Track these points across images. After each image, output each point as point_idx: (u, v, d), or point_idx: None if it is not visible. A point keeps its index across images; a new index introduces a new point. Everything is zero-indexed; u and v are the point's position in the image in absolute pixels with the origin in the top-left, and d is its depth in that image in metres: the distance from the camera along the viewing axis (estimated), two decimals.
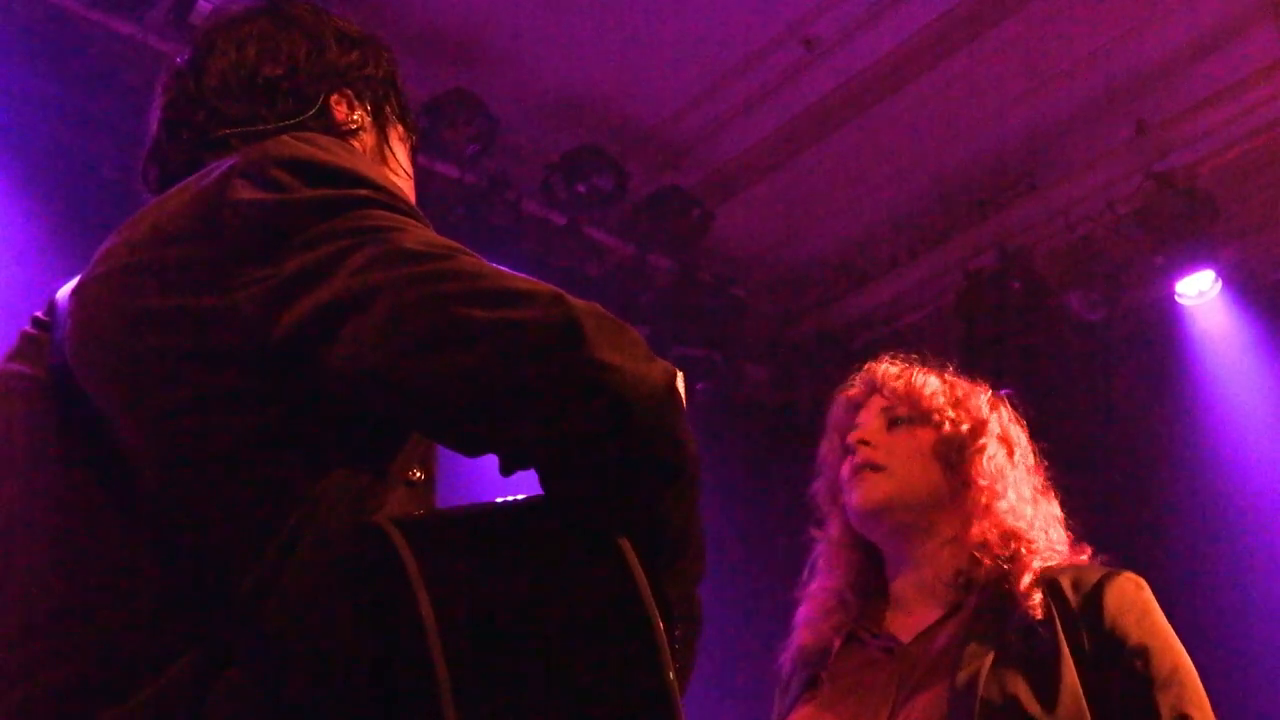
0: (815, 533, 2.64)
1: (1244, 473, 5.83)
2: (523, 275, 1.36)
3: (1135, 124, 5.85)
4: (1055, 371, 6.06)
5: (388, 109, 1.77)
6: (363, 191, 1.40)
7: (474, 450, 1.34)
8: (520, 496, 1.35)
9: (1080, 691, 2.17)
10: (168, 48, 4.68)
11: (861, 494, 2.45)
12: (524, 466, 1.32)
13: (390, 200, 1.42)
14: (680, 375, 1.51)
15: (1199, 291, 6.00)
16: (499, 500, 1.36)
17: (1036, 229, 6.28)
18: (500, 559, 1.30)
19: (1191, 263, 5.91)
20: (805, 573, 2.62)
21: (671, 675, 1.24)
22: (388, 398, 1.33)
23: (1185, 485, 5.85)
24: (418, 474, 1.43)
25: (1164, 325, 6.17)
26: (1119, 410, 6.08)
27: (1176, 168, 5.84)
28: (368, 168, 1.47)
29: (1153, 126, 5.84)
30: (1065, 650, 2.20)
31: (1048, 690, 2.16)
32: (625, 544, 1.28)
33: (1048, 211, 6.21)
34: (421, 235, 1.38)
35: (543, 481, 1.34)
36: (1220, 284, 5.96)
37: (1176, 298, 6.05)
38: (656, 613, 1.25)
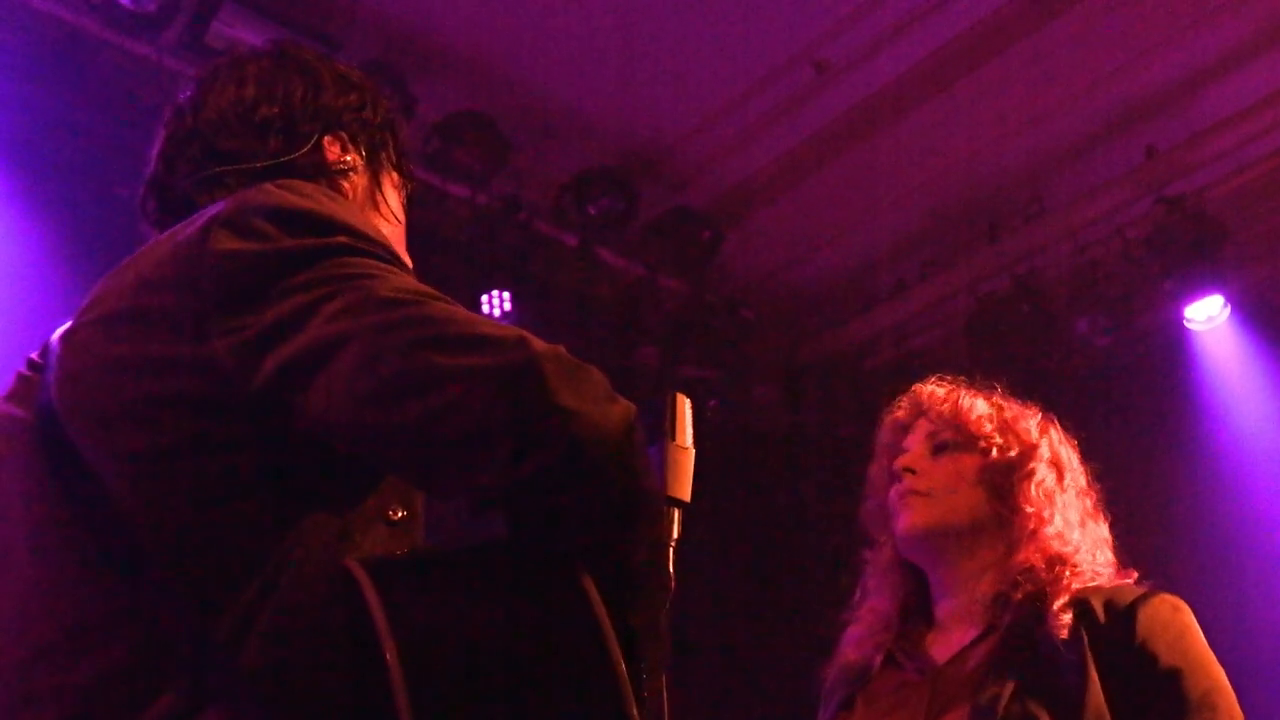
0: (867, 554, 2.64)
1: (1252, 497, 5.82)
2: (491, 319, 1.39)
3: (1145, 149, 5.86)
4: (1063, 396, 6.06)
5: (383, 155, 1.78)
6: (342, 239, 1.42)
7: (440, 492, 1.37)
8: (492, 536, 1.38)
9: (1106, 714, 2.15)
10: (182, 68, 4.71)
11: (904, 520, 2.46)
12: (490, 507, 1.35)
13: (368, 247, 1.44)
14: (687, 401, 1.53)
15: (1208, 316, 5.99)
16: (469, 539, 1.39)
17: (1046, 253, 6.28)
18: (466, 599, 1.33)
19: (1200, 288, 5.90)
20: (856, 594, 2.62)
21: (634, 710, 1.26)
22: (357, 443, 1.37)
23: (1193, 510, 5.84)
24: (400, 513, 1.46)
25: (1172, 350, 6.16)
26: (1127, 435, 6.07)
27: (1186, 193, 5.84)
28: (348, 214, 1.50)
29: (1162, 151, 5.84)
30: (1092, 671, 2.18)
31: (1071, 712, 2.15)
32: (588, 582, 1.31)
33: (1057, 236, 6.21)
34: (395, 282, 1.40)
35: (507, 522, 1.36)
36: (1229, 309, 5.95)
37: (1185, 323, 6.04)
38: (619, 652, 1.27)
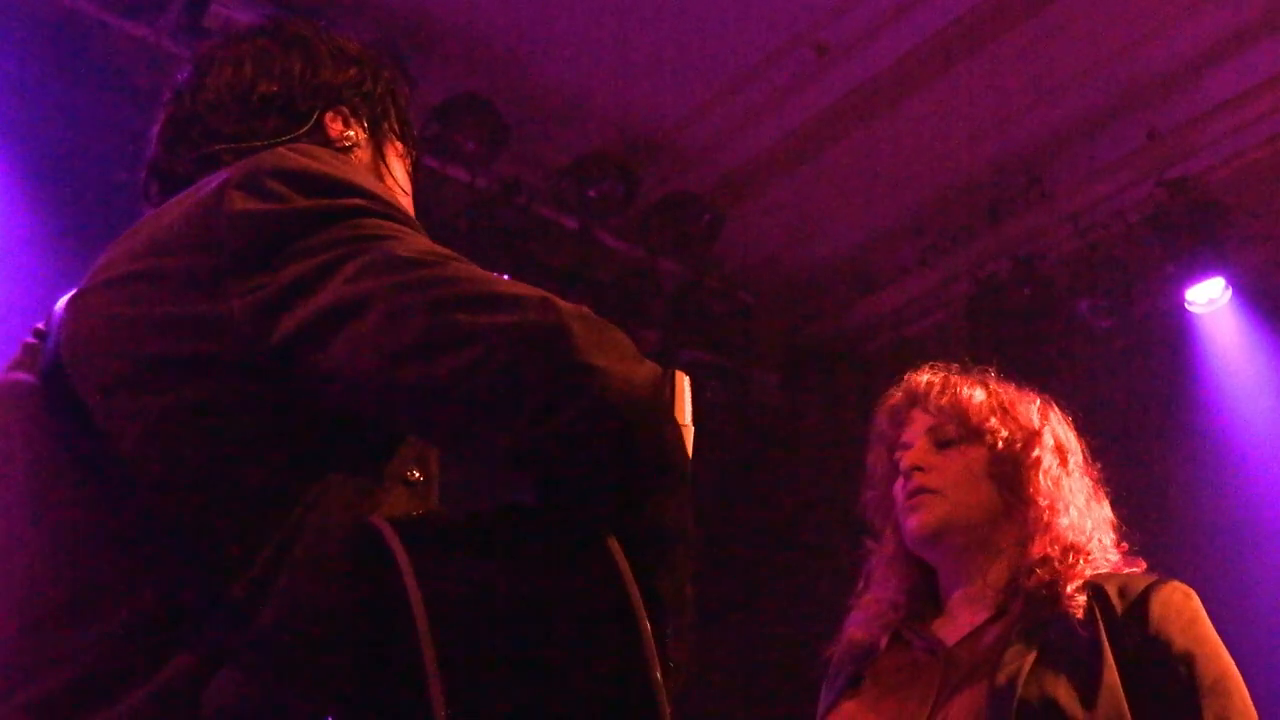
0: (869, 544, 2.62)
1: (1253, 481, 5.82)
2: (512, 280, 1.38)
3: (1146, 131, 5.85)
4: (1064, 379, 6.05)
5: (385, 126, 1.79)
6: (356, 201, 1.43)
7: (464, 452, 1.37)
8: (517, 497, 1.37)
9: (1121, 694, 2.15)
10: (180, 50, 4.70)
11: (917, 519, 2.44)
12: (515, 468, 1.35)
13: (384, 209, 1.44)
14: (686, 379, 1.52)
15: (1209, 299, 5.98)
16: (494, 501, 1.38)
17: (1047, 236, 6.28)
18: (492, 559, 1.32)
19: (1202, 270, 5.90)
20: (860, 583, 2.61)
21: (658, 674, 1.26)
22: (380, 403, 1.36)
23: (1193, 493, 5.83)
24: (416, 474, 1.46)
25: (1174, 333, 6.16)
26: (1128, 417, 6.06)
27: (1188, 175, 5.83)
28: (361, 178, 1.50)
29: (1164, 134, 5.83)
30: (1107, 653, 2.19)
31: (1087, 692, 2.15)
32: (614, 544, 1.30)
33: (1058, 218, 6.20)
34: (414, 243, 1.40)
35: (533, 482, 1.36)
36: (1230, 292, 5.95)
37: (1187, 305, 6.04)
38: (643, 612, 1.27)
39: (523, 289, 1.35)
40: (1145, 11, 5.32)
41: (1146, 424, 6.07)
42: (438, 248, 1.41)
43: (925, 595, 2.52)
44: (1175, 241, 5.84)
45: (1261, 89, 5.63)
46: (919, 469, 2.46)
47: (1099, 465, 2.55)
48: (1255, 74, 5.56)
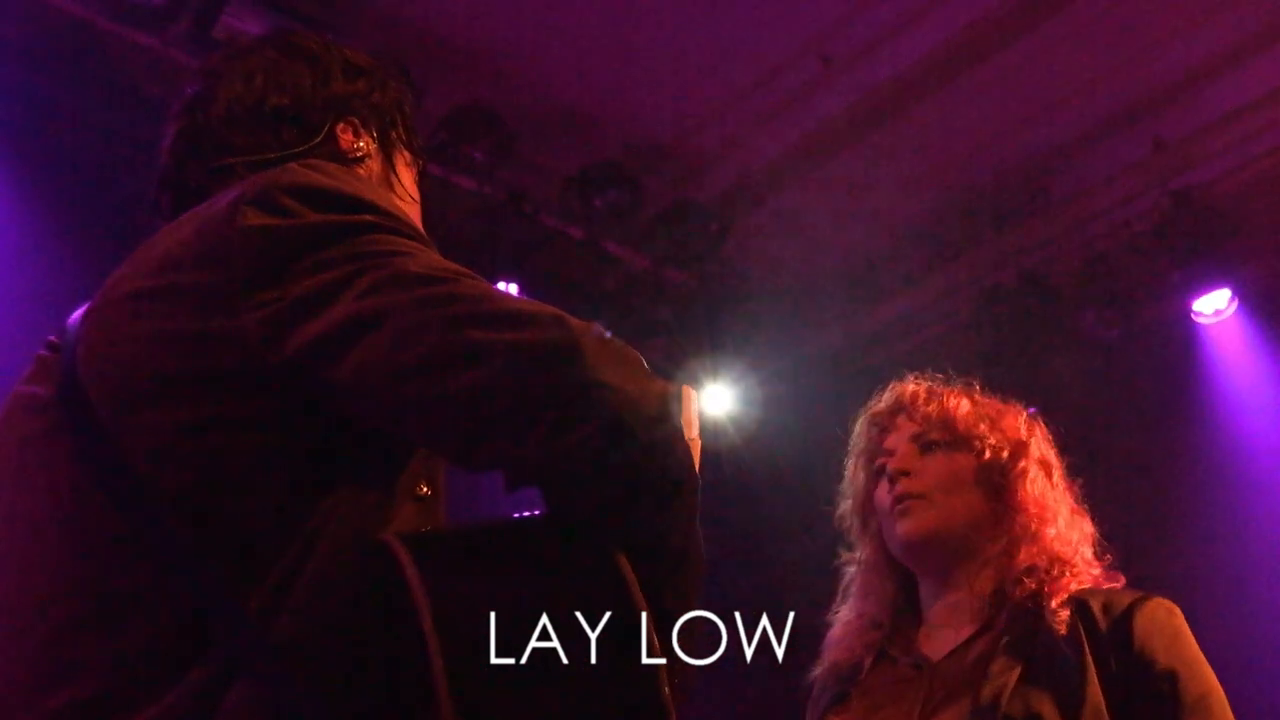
0: (845, 556, 2.62)
1: (1258, 491, 5.81)
2: (525, 298, 1.40)
3: (1153, 141, 5.85)
4: (1070, 389, 6.05)
5: (393, 135, 1.80)
6: (368, 217, 1.44)
7: (476, 467, 1.37)
8: (525, 513, 1.38)
9: (1105, 712, 2.16)
10: (189, 61, 4.71)
11: (906, 527, 2.43)
12: (527, 483, 1.35)
13: (395, 225, 1.45)
14: (694, 392, 1.53)
15: (1215, 310, 5.98)
16: (503, 517, 1.40)
17: (1053, 246, 6.28)
18: (501, 576, 1.33)
19: (1208, 281, 5.89)
20: (838, 597, 2.61)
21: (667, 691, 1.27)
22: (391, 418, 1.37)
23: (1200, 504, 5.83)
24: (425, 489, 1.46)
25: (1180, 343, 6.16)
26: (1133, 428, 6.06)
27: (1194, 185, 5.83)
28: (373, 193, 1.51)
29: (1170, 144, 5.83)
30: (1091, 670, 2.19)
31: (1071, 710, 2.15)
32: (623, 560, 1.31)
33: (1064, 228, 6.21)
34: (426, 259, 1.41)
35: (544, 498, 1.37)
36: (1237, 302, 5.94)
37: (1193, 316, 6.03)
38: (653, 629, 1.27)
39: (535, 306, 1.36)
40: (1151, 22, 5.32)
41: (1151, 434, 6.07)
42: (449, 264, 1.41)
43: (906, 607, 2.52)
44: (1181, 252, 5.84)
45: (1268, 99, 5.63)
46: (905, 473, 2.46)
47: (1080, 481, 2.56)
48: (1262, 84, 5.57)
